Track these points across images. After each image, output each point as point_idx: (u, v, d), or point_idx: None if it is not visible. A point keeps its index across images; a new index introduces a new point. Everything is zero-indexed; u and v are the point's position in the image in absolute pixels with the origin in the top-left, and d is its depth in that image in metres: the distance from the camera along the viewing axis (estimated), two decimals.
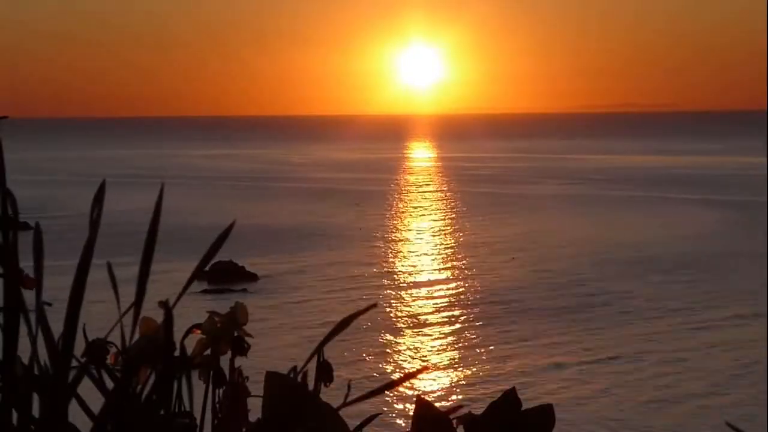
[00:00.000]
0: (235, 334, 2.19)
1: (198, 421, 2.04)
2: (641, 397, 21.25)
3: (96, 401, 1.81)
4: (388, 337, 26.49)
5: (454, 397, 21.38)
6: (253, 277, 34.27)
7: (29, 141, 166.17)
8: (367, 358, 24.06)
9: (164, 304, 1.74)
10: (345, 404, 1.94)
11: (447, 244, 44.27)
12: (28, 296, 1.76)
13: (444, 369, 23.71)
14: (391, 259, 39.37)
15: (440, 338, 26.82)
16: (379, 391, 1.75)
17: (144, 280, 1.75)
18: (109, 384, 1.84)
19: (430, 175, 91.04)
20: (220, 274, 32.99)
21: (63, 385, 1.70)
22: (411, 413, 2.50)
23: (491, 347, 25.49)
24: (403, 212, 57.70)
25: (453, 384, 22.56)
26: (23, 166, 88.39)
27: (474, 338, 26.56)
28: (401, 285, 33.95)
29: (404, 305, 30.66)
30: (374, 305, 1.94)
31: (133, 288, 1.76)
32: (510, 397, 2.68)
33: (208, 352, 2.19)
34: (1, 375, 1.72)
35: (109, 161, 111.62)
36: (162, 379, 1.78)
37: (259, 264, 36.08)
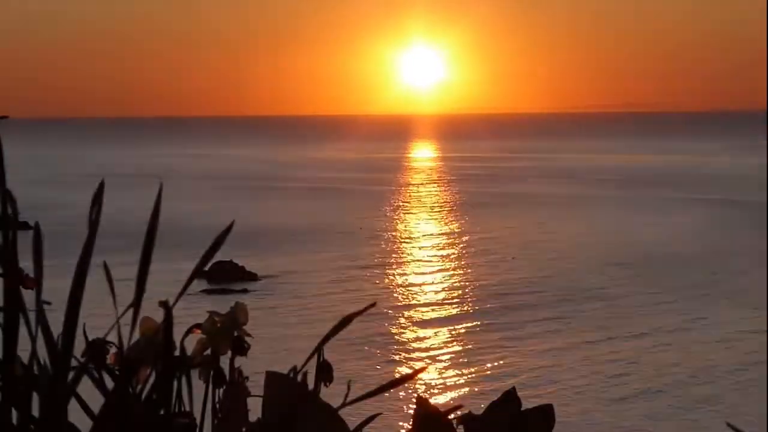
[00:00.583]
0: (235, 334, 2.20)
1: (198, 421, 2.04)
2: (642, 397, 21.25)
3: (96, 401, 1.81)
4: (388, 336, 26.48)
5: (453, 396, 21.38)
6: (253, 277, 34.26)
7: (29, 141, 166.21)
8: (366, 357, 24.06)
9: (164, 304, 1.74)
10: (345, 404, 1.94)
11: (447, 243, 44.26)
12: (28, 296, 1.76)
13: (444, 368, 23.71)
14: (391, 259, 39.37)
15: (440, 337, 26.82)
16: (379, 391, 1.75)
17: (143, 280, 1.75)
18: (109, 384, 1.84)
19: (430, 174, 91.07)
20: (220, 274, 32.99)
21: (63, 385, 1.70)
22: (411, 413, 2.50)
23: (491, 347, 25.49)
24: (403, 212, 57.70)
25: (453, 383, 22.56)
26: (23, 166, 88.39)
27: (474, 338, 26.56)
28: (401, 285, 33.96)
29: (404, 305, 30.66)
30: (373, 304, 1.94)
31: (132, 287, 1.76)
32: (510, 397, 2.68)
33: (208, 352, 2.19)
34: (1, 375, 1.72)
35: (110, 160, 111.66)
36: (162, 379, 1.79)
37: (260, 264, 36.08)
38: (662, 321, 28.13)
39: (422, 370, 21.38)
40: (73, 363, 1.75)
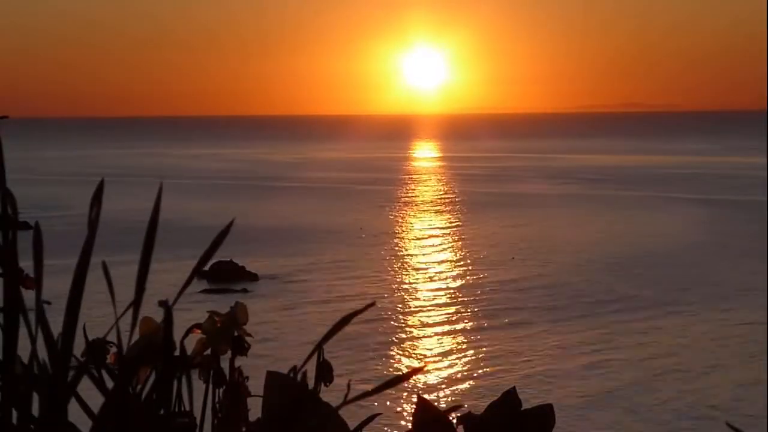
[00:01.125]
0: (235, 333, 2.20)
1: (198, 421, 2.04)
2: (643, 396, 21.25)
3: (96, 401, 1.81)
4: (387, 336, 26.48)
5: (453, 396, 21.38)
6: (253, 277, 34.24)
7: (29, 141, 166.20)
8: (366, 357, 24.06)
9: (164, 304, 1.74)
10: (345, 403, 1.94)
11: (448, 243, 44.26)
12: (28, 296, 1.76)
13: (443, 368, 23.71)
14: (391, 259, 39.36)
15: (439, 337, 26.82)
16: (378, 391, 1.75)
17: (143, 279, 1.75)
18: (109, 384, 1.84)
19: (432, 174, 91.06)
20: (220, 274, 32.98)
21: (62, 385, 1.70)
22: (411, 413, 2.50)
23: (491, 347, 25.48)
24: (404, 212, 57.69)
25: (452, 383, 22.56)
26: (23, 166, 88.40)
27: (474, 338, 26.55)
28: (401, 284, 33.95)
29: (403, 304, 30.65)
30: (372, 304, 1.94)
31: (132, 287, 1.76)
32: (510, 397, 2.68)
33: (208, 352, 2.19)
34: (1, 374, 1.72)
35: (112, 160, 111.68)
36: (162, 378, 1.79)
37: (260, 264, 36.07)
38: (664, 321, 28.12)
39: (421, 369, 21.40)
40: (73, 363, 1.75)
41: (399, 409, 19.20)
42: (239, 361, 2.22)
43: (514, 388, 2.70)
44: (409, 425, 2.49)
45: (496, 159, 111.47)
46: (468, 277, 35.18)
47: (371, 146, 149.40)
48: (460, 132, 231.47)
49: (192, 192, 67.07)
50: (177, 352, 1.90)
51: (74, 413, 1.80)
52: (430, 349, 25.67)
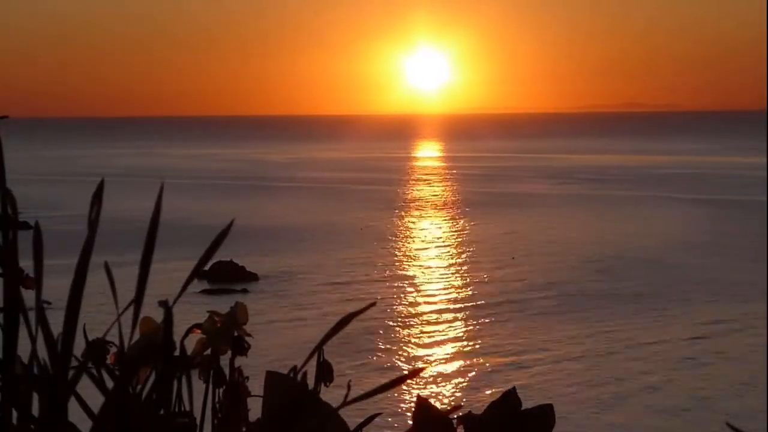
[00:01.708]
0: (235, 334, 2.20)
1: (198, 421, 2.04)
2: (643, 396, 21.25)
3: (96, 401, 1.81)
4: (387, 335, 26.48)
5: (453, 396, 21.38)
6: (253, 277, 34.24)
7: (29, 141, 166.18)
8: (366, 357, 24.06)
9: (164, 304, 1.74)
10: (345, 404, 1.93)
11: (448, 243, 44.26)
12: (28, 296, 1.76)
13: (444, 368, 23.71)
14: (391, 259, 39.36)
15: (440, 337, 26.81)
16: (378, 391, 1.75)
17: (144, 279, 1.75)
18: (109, 384, 1.84)
19: (433, 174, 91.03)
20: (221, 274, 32.99)
21: (62, 385, 1.70)
22: (411, 413, 2.50)
23: (491, 347, 25.48)
24: (405, 212, 57.67)
25: (453, 383, 22.56)
26: (23, 166, 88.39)
27: (474, 337, 26.55)
28: (401, 284, 33.94)
29: (404, 304, 30.65)
30: (373, 304, 1.94)
31: (133, 286, 1.75)
32: (510, 397, 2.68)
33: (208, 352, 2.19)
34: (1, 374, 1.72)
35: (112, 160, 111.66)
36: (162, 378, 1.78)
37: (260, 264, 36.07)
38: (664, 320, 28.12)
39: (421, 370, 21.38)
40: (73, 363, 1.75)
41: (399, 409, 19.20)
42: (239, 361, 2.22)
43: (514, 388, 2.70)
44: (410, 425, 2.49)
45: (497, 159, 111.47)
46: (468, 277, 35.18)
47: (372, 146, 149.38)
48: (461, 132, 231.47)
49: (192, 192, 67.06)
50: (177, 352, 1.90)
51: (74, 413, 1.80)
52: (430, 349, 25.67)
